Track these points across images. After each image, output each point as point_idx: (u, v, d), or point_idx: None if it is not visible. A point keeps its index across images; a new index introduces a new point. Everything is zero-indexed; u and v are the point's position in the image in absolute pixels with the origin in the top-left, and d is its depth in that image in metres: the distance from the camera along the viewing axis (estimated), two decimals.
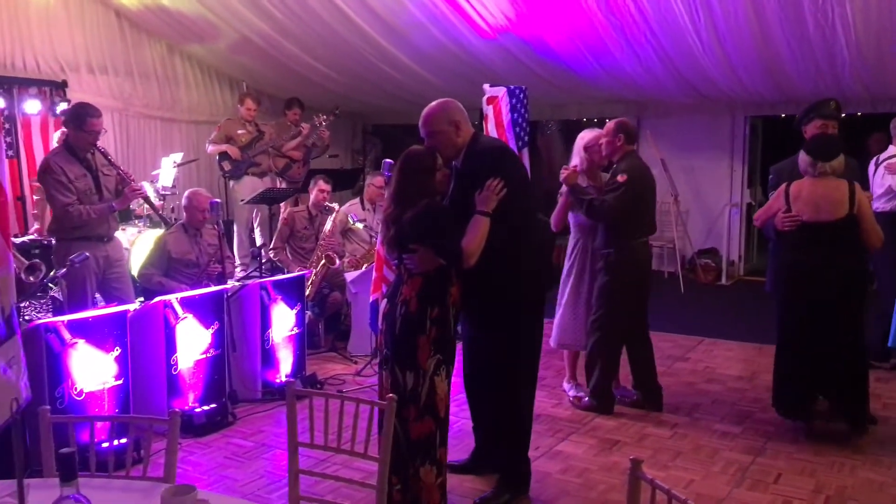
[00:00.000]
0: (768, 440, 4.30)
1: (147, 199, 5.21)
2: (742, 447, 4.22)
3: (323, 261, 6.12)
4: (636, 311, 4.72)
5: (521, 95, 5.89)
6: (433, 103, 3.51)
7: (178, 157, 7.82)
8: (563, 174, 4.61)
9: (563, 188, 4.66)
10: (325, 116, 7.98)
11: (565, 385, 5.06)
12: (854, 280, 4.16)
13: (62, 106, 7.34)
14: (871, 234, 4.08)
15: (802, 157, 4.20)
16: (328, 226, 6.32)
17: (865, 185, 5.06)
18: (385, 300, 3.59)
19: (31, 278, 4.65)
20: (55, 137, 7.34)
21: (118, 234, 5.18)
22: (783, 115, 8.54)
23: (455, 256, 3.24)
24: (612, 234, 4.56)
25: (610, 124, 4.69)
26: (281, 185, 8.01)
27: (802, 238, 4.17)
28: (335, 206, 6.49)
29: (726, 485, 3.77)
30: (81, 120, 4.62)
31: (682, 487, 3.67)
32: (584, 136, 4.79)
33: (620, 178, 4.48)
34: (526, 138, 5.99)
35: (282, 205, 7.40)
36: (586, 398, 4.79)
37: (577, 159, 4.78)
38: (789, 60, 6.80)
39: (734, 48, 6.74)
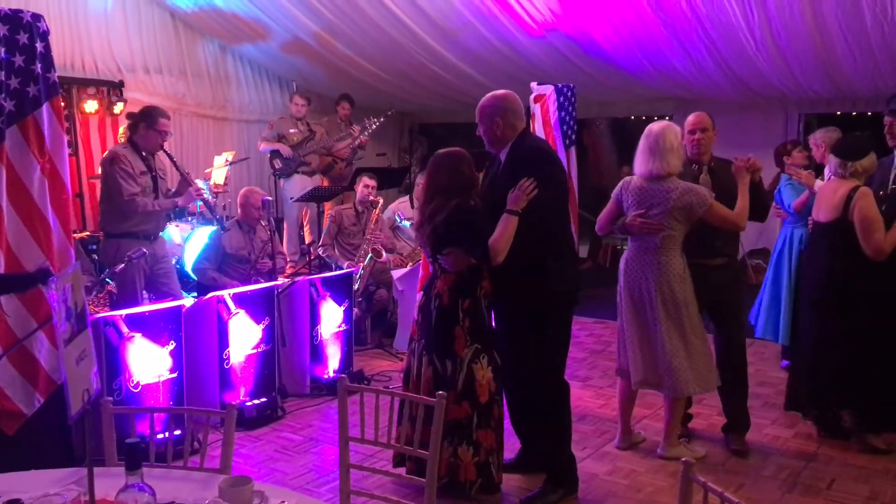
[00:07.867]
0: (821, 445, 4.22)
1: (206, 202, 5.31)
2: (794, 451, 4.15)
3: (370, 255, 6.18)
4: None
5: (569, 94, 5.86)
6: (491, 93, 3.60)
7: (229, 155, 7.97)
8: (744, 165, 3.96)
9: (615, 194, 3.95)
10: (375, 120, 8.06)
11: (619, 443, 4.21)
12: (837, 283, 4.04)
13: (119, 106, 7.56)
14: (862, 242, 3.87)
15: None
16: (373, 220, 6.37)
17: None
18: (420, 292, 3.67)
19: None
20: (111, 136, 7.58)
21: (171, 228, 5.33)
22: (839, 113, 8.32)
23: (483, 255, 3.35)
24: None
25: (705, 116, 4.21)
26: (324, 183, 8.08)
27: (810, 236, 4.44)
28: (380, 199, 6.54)
29: (778, 489, 3.71)
30: (153, 119, 4.75)
31: (732, 491, 3.59)
32: (674, 128, 3.93)
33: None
34: (573, 136, 5.96)
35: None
36: (737, 445, 4.13)
37: (676, 157, 3.84)
38: (846, 57, 6.62)
39: (788, 44, 6.59)
